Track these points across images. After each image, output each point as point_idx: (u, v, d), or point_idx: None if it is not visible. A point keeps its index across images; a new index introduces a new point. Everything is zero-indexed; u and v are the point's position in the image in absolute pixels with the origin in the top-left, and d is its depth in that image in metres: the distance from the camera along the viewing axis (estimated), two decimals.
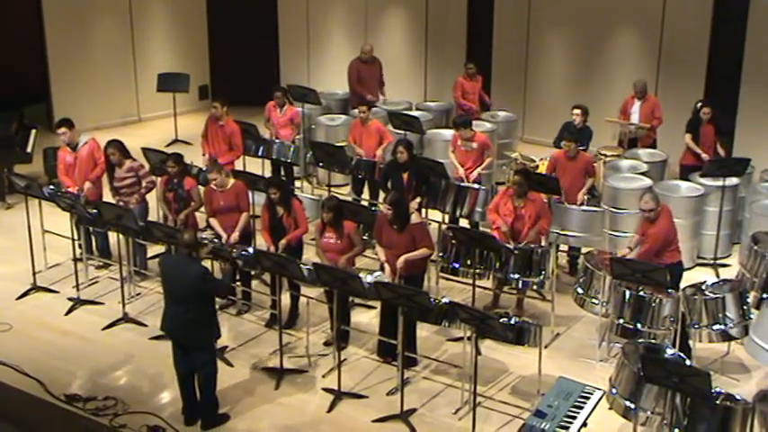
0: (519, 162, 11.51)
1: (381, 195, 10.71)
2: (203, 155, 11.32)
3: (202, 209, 9.57)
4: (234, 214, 9.26)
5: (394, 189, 10.00)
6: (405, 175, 10.05)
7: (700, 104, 11.67)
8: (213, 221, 9.36)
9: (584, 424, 6.38)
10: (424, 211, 10.26)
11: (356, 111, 11.81)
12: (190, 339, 7.48)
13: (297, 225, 8.96)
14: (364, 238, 9.61)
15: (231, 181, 9.37)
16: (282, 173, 12.05)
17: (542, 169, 11.11)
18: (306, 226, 9.07)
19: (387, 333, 8.47)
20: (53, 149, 12.62)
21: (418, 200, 9.97)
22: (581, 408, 6.47)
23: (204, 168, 10.57)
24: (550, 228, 9.43)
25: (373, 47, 13.96)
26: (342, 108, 14.05)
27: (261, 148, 11.61)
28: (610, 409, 7.09)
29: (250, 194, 9.56)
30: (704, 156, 11.34)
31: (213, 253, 8.55)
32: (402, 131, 11.81)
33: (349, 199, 11.03)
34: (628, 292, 8.26)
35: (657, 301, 8.16)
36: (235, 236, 9.18)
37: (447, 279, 9.59)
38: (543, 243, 9.18)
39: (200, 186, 10.38)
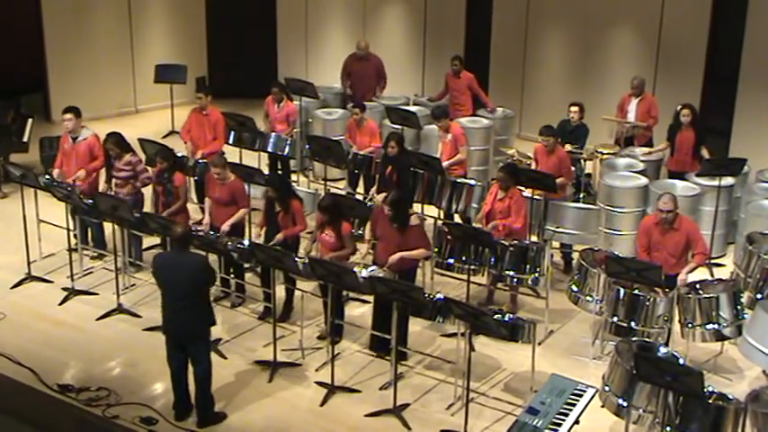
0: (516, 159, 11.49)
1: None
2: (185, 142, 11.26)
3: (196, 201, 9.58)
4: (228, 208, 9.29)
5: (380, 182, 10.01)
6: (389, 168, 10.05)
7: (680, 107, 11.18)
8: (208, 203, 9.52)
9: (577, 421, 6.40)
10: (419, 206, 10.25)
11: (349, 106, 11.76)
12: (190, 333, 7.43)
13: (294, 223, 8.94)
14: (360, 232, 9.62)
15: (232, 177, 9.37)
16: (279, 166, 12.04)
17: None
18: (304, 225, 9.02)
19: (379, 328, 8.47)
20: (49, 139, 12.60)
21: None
22: (573, 405, 6.49)
23: (196, 159, 10.72)
24: (525, 229, 9.32)
25: (369, 44, 13.87)
26: (339, 102, 14.02)
27: (257, 141, 11.61)
28: (602, 406, 7.10)
29: (247, 189, 9.58)
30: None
31: (205, 244, 8.57)
32: (399, 126, 11.79)
33: (344, 193, 11.03)
34: (622, 291, 8.28)
35: (651, 300, 8.18)
36: (224, 228, 9.18)
37: (441, 275, 9.57)
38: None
39: (194, 178, 10.40)
